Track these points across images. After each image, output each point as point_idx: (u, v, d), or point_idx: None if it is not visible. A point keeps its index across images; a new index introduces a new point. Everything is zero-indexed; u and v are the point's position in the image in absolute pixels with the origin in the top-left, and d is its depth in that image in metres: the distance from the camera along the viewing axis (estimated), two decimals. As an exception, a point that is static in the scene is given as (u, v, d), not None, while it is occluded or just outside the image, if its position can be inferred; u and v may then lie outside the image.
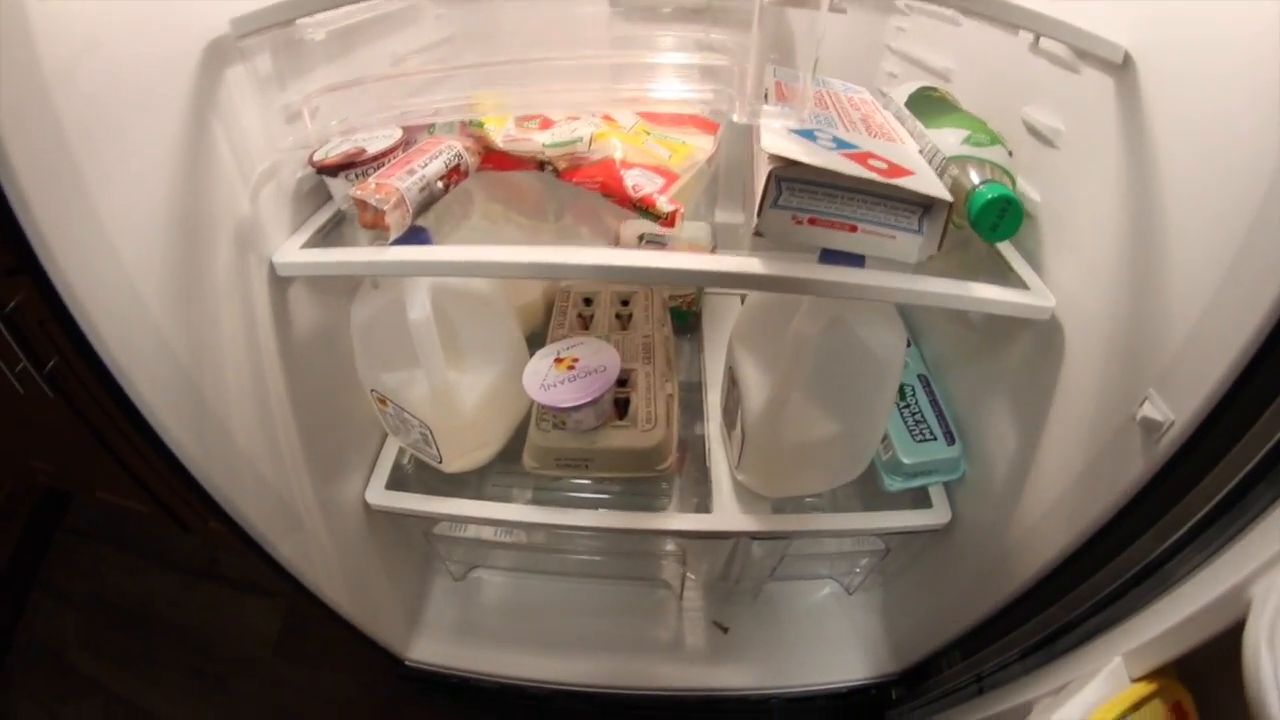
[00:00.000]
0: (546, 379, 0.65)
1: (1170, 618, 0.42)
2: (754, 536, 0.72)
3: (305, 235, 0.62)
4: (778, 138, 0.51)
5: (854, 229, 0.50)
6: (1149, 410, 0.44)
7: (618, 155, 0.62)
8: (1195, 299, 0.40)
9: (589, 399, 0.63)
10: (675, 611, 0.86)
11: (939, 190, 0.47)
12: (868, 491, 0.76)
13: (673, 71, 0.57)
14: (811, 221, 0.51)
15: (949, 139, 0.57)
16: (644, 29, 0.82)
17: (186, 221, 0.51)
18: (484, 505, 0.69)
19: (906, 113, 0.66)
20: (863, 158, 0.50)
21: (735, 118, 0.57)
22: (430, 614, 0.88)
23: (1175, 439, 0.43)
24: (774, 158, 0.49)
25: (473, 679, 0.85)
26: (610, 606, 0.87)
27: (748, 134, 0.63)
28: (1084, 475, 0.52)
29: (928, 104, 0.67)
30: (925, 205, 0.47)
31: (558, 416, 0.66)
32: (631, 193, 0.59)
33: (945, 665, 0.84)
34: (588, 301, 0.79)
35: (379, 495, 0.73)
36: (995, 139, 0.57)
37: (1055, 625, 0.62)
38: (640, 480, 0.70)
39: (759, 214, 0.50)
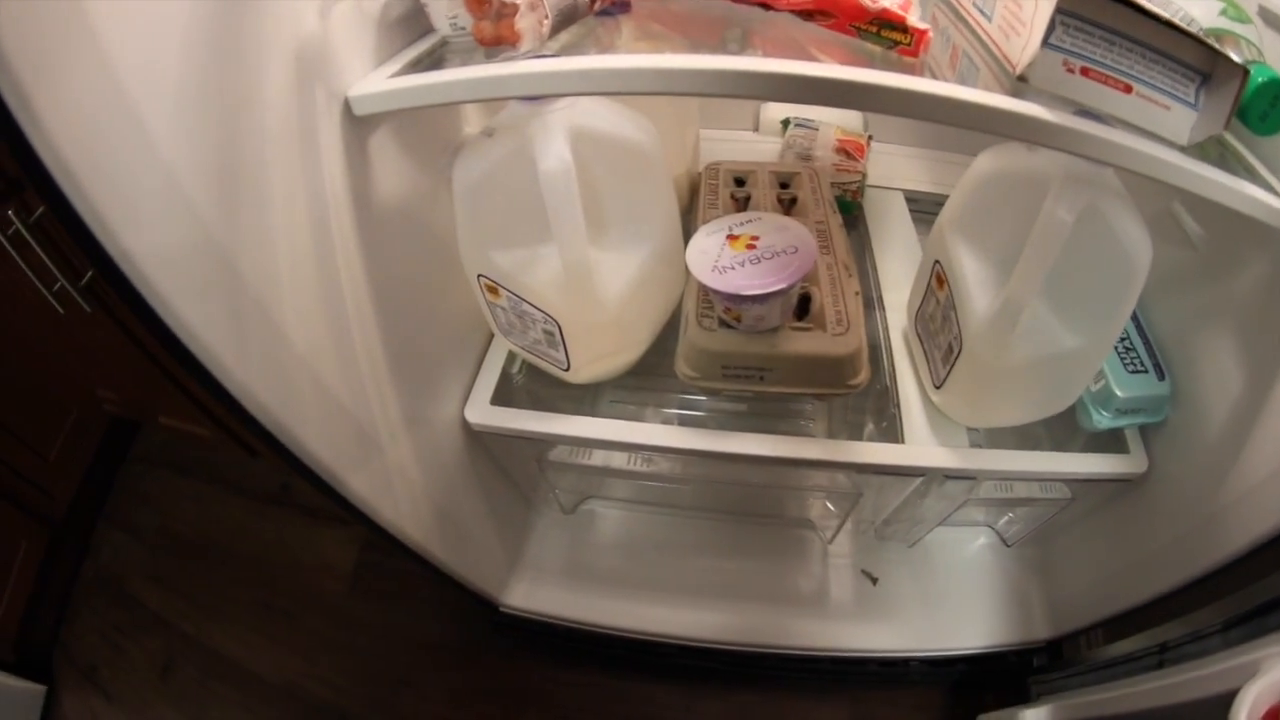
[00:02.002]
0: (720, 259, 0.43)
1: None
2: (953, 474, 0.51)
3: (395, 67, 0.41)
4: None
5: (1129, 89, 0.35)
6: None
7: (830, -36, 0.38)
8: None
9: (781, 285, 0.41)
10: (819, 557, 0.66)
11: (1230, 52, 0.32)
12: (1055, 429, 0.55)
13: None
14: (1084, 72, 0.35)
15: (1202, 8, 0.39)
16: None
17: (222, 32, 0.30)
18: (625, 426, 0.48)
19: None
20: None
21: None
22: (532, 553, 0.68)
23: None
24: None
25: (579, 629, 0.65)
26: (745, 549, 0.67)
27: None
28: None
29: None
30: (1205, 74, 0.33)
31: (731, 310, 0.44)
32: (868, 4, 0.37)
33: (1087, 643, 0.65)
34: (739, 182, 0.56)
35: (483, 412, 0.52)
36: (1247, 16, 0.40)
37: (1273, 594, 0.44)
38: (821, 395, 0.48)
39: (1034, 55, 0.34)
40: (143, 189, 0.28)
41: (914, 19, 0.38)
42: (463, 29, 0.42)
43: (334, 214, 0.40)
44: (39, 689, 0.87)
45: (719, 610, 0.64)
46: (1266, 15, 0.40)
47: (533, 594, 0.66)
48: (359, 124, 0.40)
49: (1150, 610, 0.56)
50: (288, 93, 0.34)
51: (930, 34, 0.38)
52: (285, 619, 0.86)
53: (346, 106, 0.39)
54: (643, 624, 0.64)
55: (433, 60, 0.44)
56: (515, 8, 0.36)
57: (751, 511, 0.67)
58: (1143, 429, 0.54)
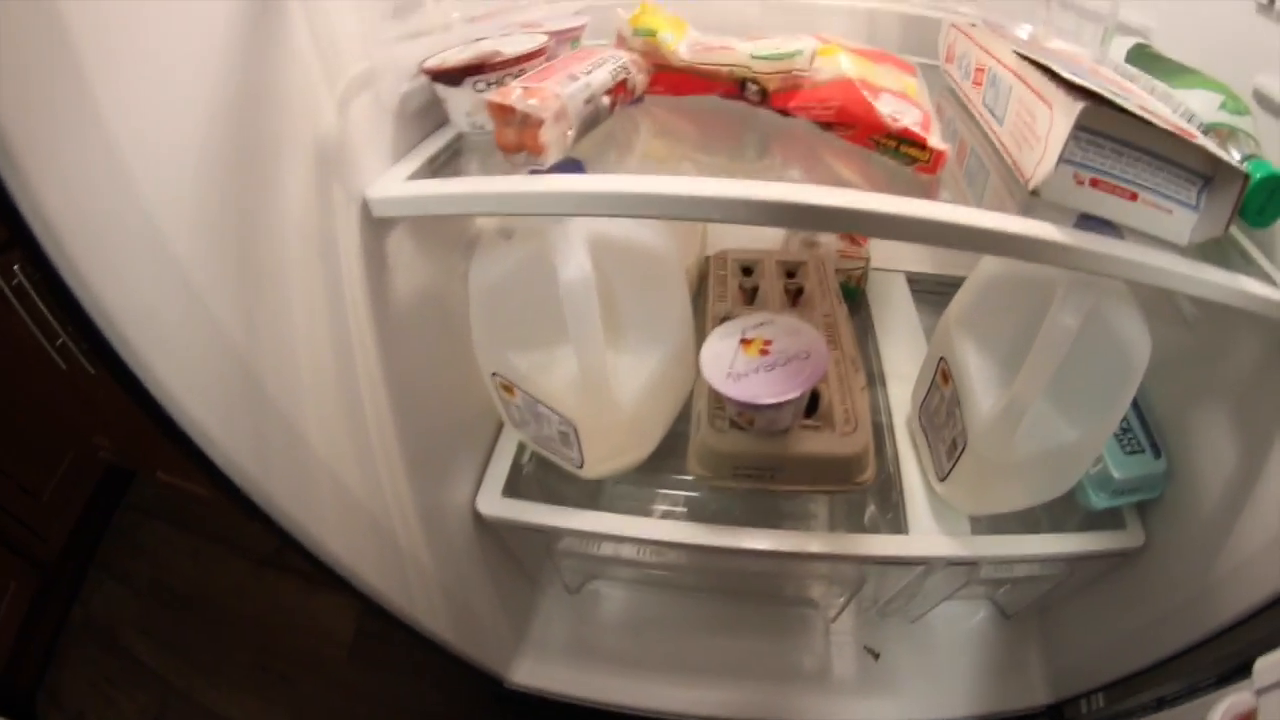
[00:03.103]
0: (734, 366, 0.42)
1: None
2: (956, 562, 0.50)
3: (413, 165, 0.40)
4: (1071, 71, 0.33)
5: (1134, 197, 0.35)
6: None
7: (853, 75, 0.39)
8: None
9: (794, 394, 0.41)
10: (822, 634, 0.65)
11: (1228, 156, 0.33)
12: (1054, 507, 0.55)
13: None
14: (1094, 183, 0.35)
15: (1201, 103, 0.40)
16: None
17: (242, 129, 0.29)
18: (634, 521, 0.47)
19: (1134, 70, 0.45)
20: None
21: (1022, 33, 0.37)
22: (537, 631, 0.66)
23: None
24: (1082, 93, 0.32)
25: (584, 706, 0.63)
26: (747, 627, 0.65)
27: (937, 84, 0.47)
28: None
29: (1150, 61, 0.47)
30: (1206, 177, 0.33)
31: (744, 415, 0.43)
32: (889, 122, 0.36)
33: (1088, 707, 0.64)
34: (747, 272, 0.56)
35: (494, 504, 0.51)
36: (1245, 108, 0.40)
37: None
38: (828, 491, 0.47)
39: (1049, 171, 0.34)
40: (167, 309, 0.26)
41: (934, 140, 0.38)
42: (481, 127, 0.42)
43: (353, 315, 0.39)
44: (21, 731, 0.83)
45: (723, 688, 0.62)
46: (1260, 98, 0.40)
47: (538, 672, 0.63)
48: (377, 224, 0.39)
49: (1149, 674, 0.56)
50: (307, 193, 0.34)
51: (948, 154, 0.38)
52: (282, 683, 0.83)
53: (365, 207, 0.38)
54: (648, 702, 0.62)
55: (450, 155, 0.43)
56: (540, 120, 0.35)
57: (755, 592, 0.66)
58: (1140, 504, 0.54)
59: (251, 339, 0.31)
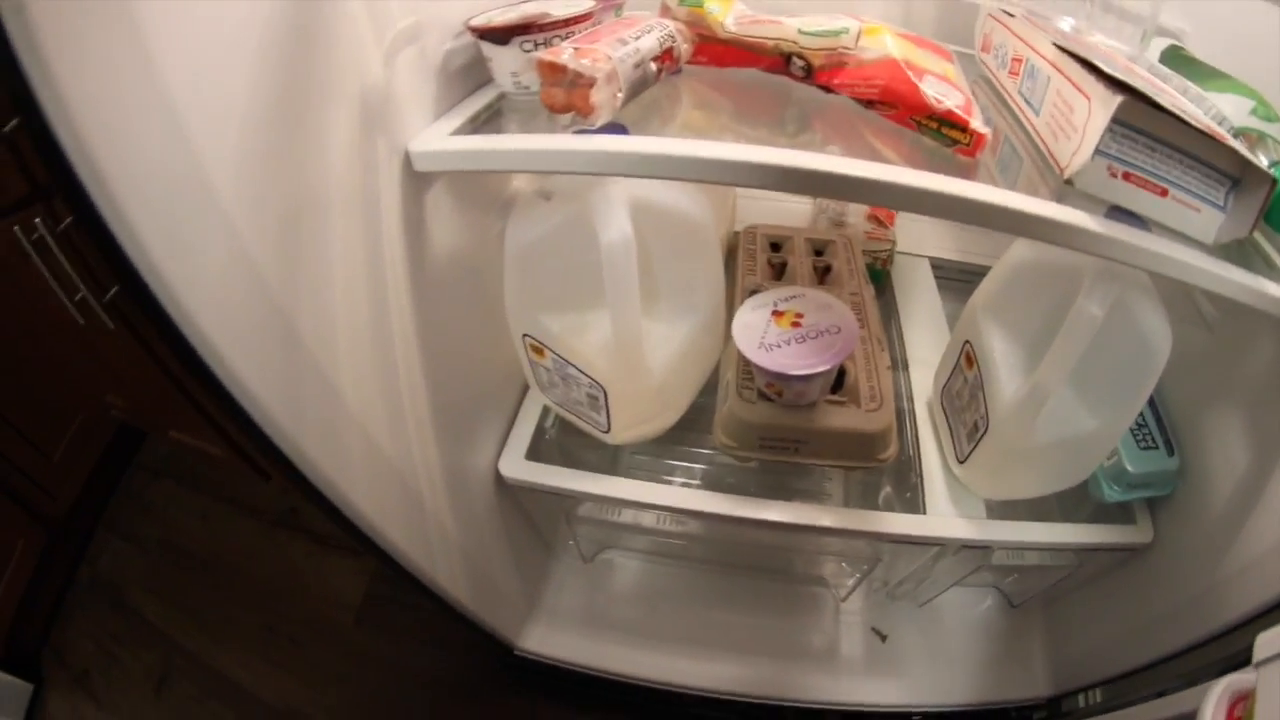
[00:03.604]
0: (766, 336, 0.44)
1: None
2: (971, 545, 0.52)
3: (455, 122, 0.41)
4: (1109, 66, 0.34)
5: (1165, 193, 0.36)
6: None
7: (898, 55, 0.40)
8: None
9: (826, 366, 0.42)
10: (831, 613, 0.67)
11: (1256, 158, 0.34)
12: (1064, 497, 0.56)
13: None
14: (1127, 176, 0.36)
15: (1233, 107, 0.41)
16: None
17: (289, 79, 0.30)
18: (655, 488, 0.49)
19: (1167, 71, 0.46)
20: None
21: (1065, 25, 0.38)
22: (549, 599, 0.68)
23: None
24: (1121, 87, 0.33)
25: (591, 675, 0.65)
26: (757, 603, 0.67)
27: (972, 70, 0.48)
28: None
29: (1184, 63, 0.48)
30: (1235, 179, 0.35)
31: (772, 386, 0.45)
32: (933, 103, 0.38)
33: (1086, 702, 0.66)
34: (775, 247, 0.57)
35: (517, 467, 0.52)
36: (1276, 115, 0.41)
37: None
38: (850, 467, 0.49)
39: (1084, 161, 0.35)
40: (207, 249, 0.27)
41: (976, 123, 0.39)
42: (525, 87, 0.43)
43: (390, 270, 0.40)
44: (26, 686, 0.85)
45: (732, 663, 0.64)
46: None
47: (548, 639, 0.66)
48: (417, 179, 0.40)
49: (1150, 670, 0.57)
50: (351, 144, 0.35)
51: (988, 137, 0.39)
52: (291, 645, 0.85)
53: (406, 160, 0.39)
54: (656, 674, 0.64)
55: (490, 115, 0.44)
56: (592, 80, 0.36)
57: (767, 567, 0.67)
58: (1150, 501, 0.56)
59: (291, 288, 0.32)
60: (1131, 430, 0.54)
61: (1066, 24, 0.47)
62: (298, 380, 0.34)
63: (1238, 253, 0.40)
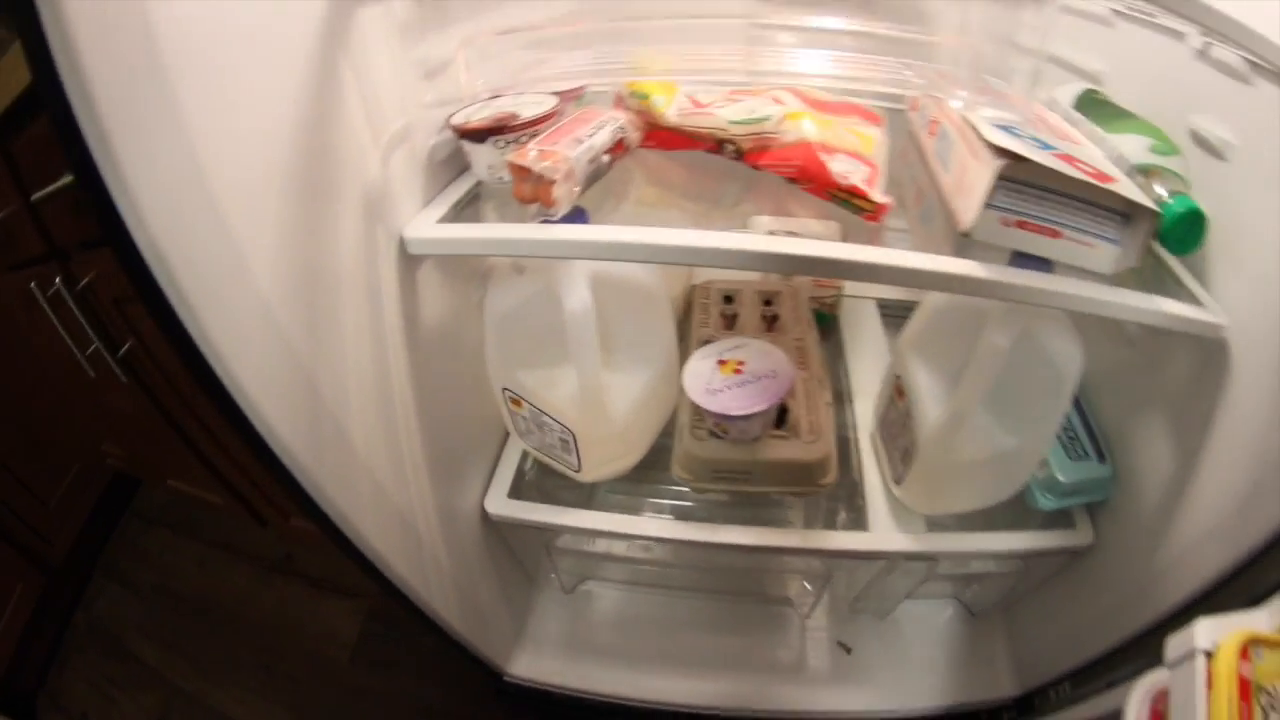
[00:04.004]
0: (711, 383, 0.52)
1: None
2: (912, 557, 0.60)
3: (441, 209, 0.50)
4: (996, 133, 0.42)
5: (1057, 234, 0.43)
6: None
7: (814, 138, 0.49)
8: None
9: (762, 407, 0.51)
10: (798, 630, 0.74)
11: (1143, 199, 0.41)
12: (1009, 510, 0.63)
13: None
14: (1020, 224, 0.43)
15: (1132, 146, 0.49)
16: (788, 12, 0.69)
17: (309, 182, 0.39)
18: (626, 520, 0.57)
19: (1078, 116, 0.55)
20: (1068, 160, 0.42)
21: (955, 104, 0.46)
22: (534, 628, 0.75)
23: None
24: (1001, 152, 0.40)
25: (577, 697, 0.71)
26: (727, 624, 0.75)
27: (901, 132, 0.56)
28: (1249, 497, 0.45)
29: (1096, 108, 0.57)
30: (1125, 215, 0.41)
31: (719, 425, 0.53)
32: (839, 180, 0.47)
33: (1055, 696, 0.73)
34: (728, 300, 0.66)
35: (501, 505, 0.60)
36: (1175, 149, 0.48)
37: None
38: (797, 493, 0.57)
39: (975, 216, 0.42)
40: (248, 325, 0.35)
41: (877, 194, 0.47)
42: (500, 178, 0.51)
43: (389, 336, 0.49)
44: (21, 730, 0.90)
45: (707, 680, 0.71)
46: (1196, 137, 0.48)
47: (536, 665, 0.72)
48: (410, 259, 0.49)
49: (1105, 661, 0.62)
50: (356, 232, 0.43)
51: (890, 205, 0.48)
52: (289, 683, 0.91)
53: (401, 244, 0.47)
54: (637, 692, 0.71)
55: (470, 200, 0.53)
56: (553, 180, 0.45)
57: (736, 591, 0.75)
58: (1089, 505, 0.62)
59: (313, 351, 0.40)
60: (1062, 442, 0.60)
61: (958, 102, 0.56)
62: (319, 430, 0.41)
63: (1153, 277, 0.47)
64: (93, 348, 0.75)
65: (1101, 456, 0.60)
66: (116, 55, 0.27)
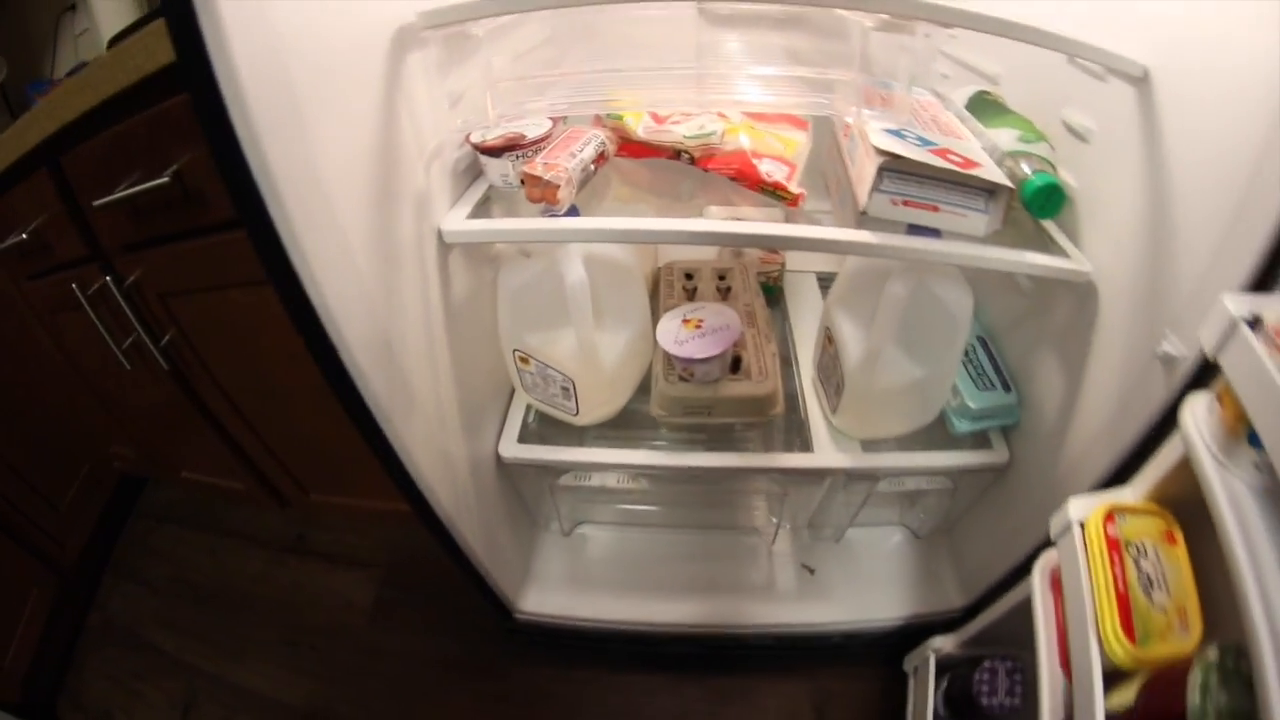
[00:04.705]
0: (679, 336, 0.71)
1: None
2: (851, 473, 0.79)
3: (466, 208, 0.68)
4: (882, 137, 0.60)
5: (936, 209, 0.61)
6: (1167, 347, 0.53)
7: (747, 146, 0.69)
8: (1198, 261, 0.50)
9: (719, 351, 0.70)
10: (766, 556, 0.93)
11: (1001, 179, 0.58)
12: (936, 439, 0.83)
13: (783, 81, 0.67)
14: (905, 203, 0.61)
15: (1005, 137, 0.67)
16: (729, 33, 0.89)
17: (382, 188, 0.57)
18: (617, 452, 0.75)
19: (967, 114, 0.76)
20: (943, 153, 0.61)
21: (850, 120, 0.66)
22: (539, 568, 0.93)
23: (1188, 369, 0.51)
24: (882, 153, 0.59)
25: (579, 626, 0.88)
26: (707, 554, 0.93)
27: (829, 139, 0.75)
28: (1119, 408, 0.60)
29: (984, 106, 0.76)
30: (990, 190, 0.58)
31: (686, 369, 0.72)
32: (765, 178, 0.67)
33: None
34: (689, 276, 0.85)
35: (512, 449, 0.78)
36: (1041, 137, 0.67)
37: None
38: (751, 424, 0.76)
39: (867, 199, 0.61)
40: (350, 293, 0.52)
41: (793, 188, 0.67)
42: (509, 184, 0.69)
43: (432, 306, 0.66)
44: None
45: (691, 602, 0.90)
46: (1067, 126, 0.66)
47: (542, 600, 0.90)
48: (445, 247, 0.67)
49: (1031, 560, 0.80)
50: (411, 225, 0.61)
51: (803, 196, 0.67)
52: (311, 653, 1.05)
53: (439, 235, 0.65)
54: (629, 616, 0.89)
55: (484, 200, 0.71)
56: (558, 185, 0.64)
57: (711, 525, 0.94)
58: (1005, 430, 0.82)
59: (387, 315, 0.58)
60: (972, 376, 0.80)
61: (850, 117, 0.76)
62: (392, 378, 0.59)
63: (1036, 237, 0.64)
64: (129, 340, 0.88)
65: (1007, 387, 0.79)
66: (273, 100, 0.44)
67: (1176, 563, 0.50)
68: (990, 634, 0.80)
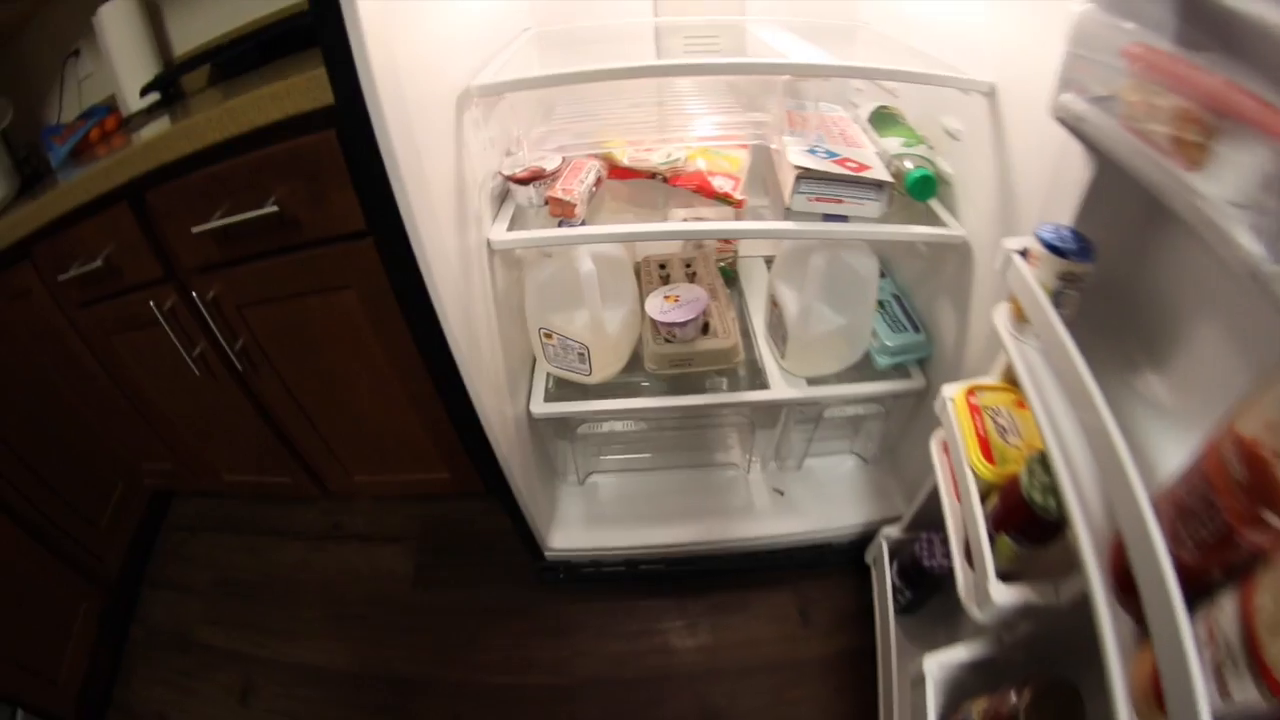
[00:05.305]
0: (663, 308, 1.01)
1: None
2: (800, 403, 1.10)
3: (504, 223, 0.97)
4: (797, 154, 0.92)
5: (841, 201, 0.94)
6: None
7: (704, 167, 1.00)
8: (1032, 219, 0.81)
9: (693, 316, 1.00)
10: (744, 485, 1.24)
11: (887, 177, 0.92)
12: (867, 375, 1.14)
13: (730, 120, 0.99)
14: (818, 199, 0.94)
15: (893, 143, 1.01)
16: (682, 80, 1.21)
17: (458, 209, 0.85)
18: (622, 401, 1.03)
19: (868, 126, 1.09)
20: (844, 161, 0.95)
21: (773, 145, 0.99)
22: (561, 512, 1.20)
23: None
24: (798, 167, 0.91)
25: (597, 556, 1.15)
26: (695, 487, 1.23)
27: (767, 152, 1.06)
28: (990, 330, 0.90)
29: (882, 119, 1.10)
30: (879, 185, 0.91)
31: (669, 332, 1.02)
32: (717, 189, 0.98)
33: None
34: (662, 266, 1.16)
35: (541, 407, 1.05)
36: (921, 140, 1.02)
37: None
38: (721, 372, 1.06)
39: (790, 199, 0.92)
40: (451, 291, 0.80)
41: (737, 195, 0.98)
42: (534, 204, 0.97)
43: (486, 295, 0.94)
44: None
45: (686, 527, 1.18)
46: (946, 130, 0.99)
47: (566, 537, 1.16)
48: (492, 253, 0.94)
49: None
50: (474, 236, 0.90)
51: (746, 201, 0.99)
52: (359, 622, 1.26)
53: (488, 244, 0.93)
54: (641, 542, 1.16)
55: (515, 215, 0.98)
56: (575, 204, 0.92)
57: (697, 464, 1.24)
58: (920, 362, 1.14)
59: (466, 296, 0.84)
60: (888, 322, 1.13)
61: (776, 143, 1.10)
62: (472, 342, 0.86)
63: (926, 214, 0.97)
64: (197, 350, 1.09)
65: (917, 329, 1.13)
66: (403, 137, 0.71)
67: (1025, 418, 0.82)
68: (924, 518, 1.11)
